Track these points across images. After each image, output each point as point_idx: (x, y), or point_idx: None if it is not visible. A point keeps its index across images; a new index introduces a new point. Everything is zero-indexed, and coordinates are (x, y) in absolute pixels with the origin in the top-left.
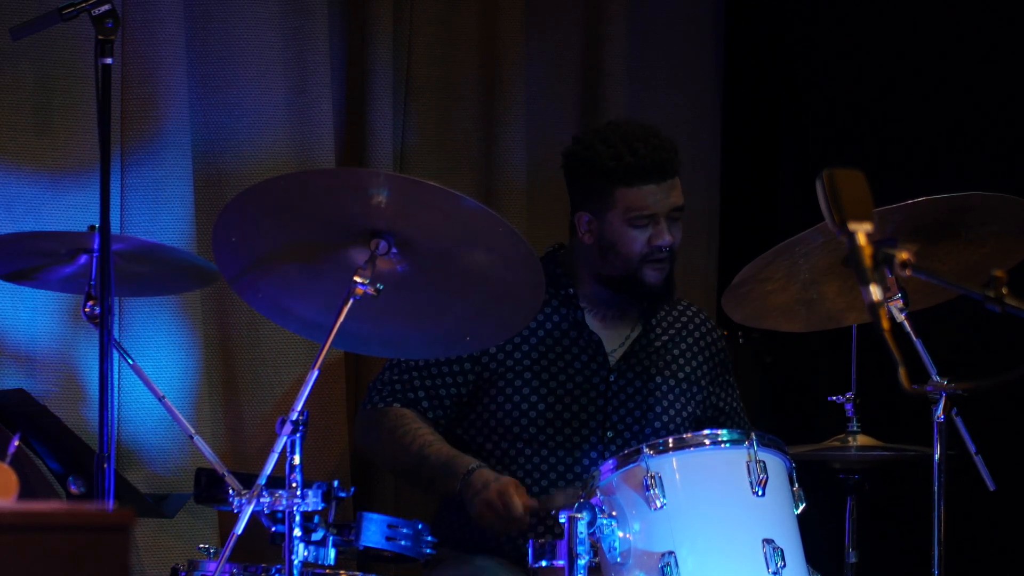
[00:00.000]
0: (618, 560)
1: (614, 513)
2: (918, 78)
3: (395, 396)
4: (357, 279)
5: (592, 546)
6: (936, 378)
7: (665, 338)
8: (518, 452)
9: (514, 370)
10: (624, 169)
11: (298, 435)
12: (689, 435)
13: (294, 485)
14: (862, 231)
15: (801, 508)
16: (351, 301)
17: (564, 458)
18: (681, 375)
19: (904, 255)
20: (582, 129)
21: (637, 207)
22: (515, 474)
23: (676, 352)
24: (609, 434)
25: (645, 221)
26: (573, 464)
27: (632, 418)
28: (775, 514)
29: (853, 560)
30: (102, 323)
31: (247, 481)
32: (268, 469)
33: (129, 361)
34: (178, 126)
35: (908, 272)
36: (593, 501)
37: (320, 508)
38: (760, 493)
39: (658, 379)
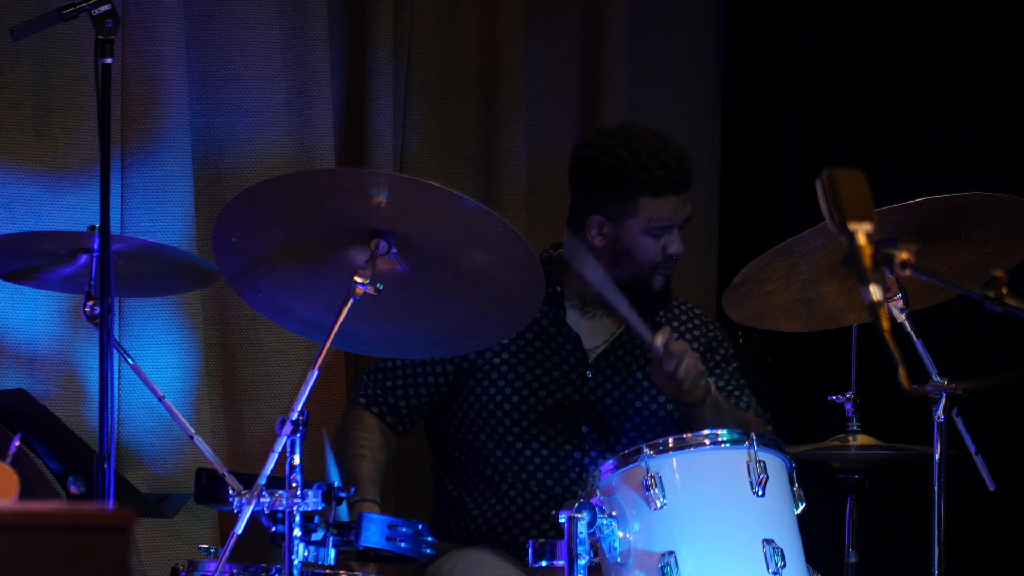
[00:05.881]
0: (618, 560)
1: (614, 513)
2: (918, 78)
3: (372, 387)
4: (357, 279)
5: (592, 546)
6: (936, 378)
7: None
8: (495, 445)
9: (492, 363)
10: (653, 181)
11: (298, 435)
12: (689, 435)
13: (294, 485)
14: (862, 231)
15: (801, 508)
16: (351, 301)
17: (539, 451)
18: None
19: (904, 255)
20: (586, 130)
21: (660, 217)
22: (492, 466)
23: None
24: (585, 428)
25: (663, 231)
26: (549, 456)
27: (610, 414)
28: (775, 514)
29: (853, 560)
30: (102, 323)
31: (247, 481)
32: (268, 469)
33: (129, 361)
34: (178, 126)
35: (908, 272)
36: (593, 501)
37: (320, 508)
38: (760, 493)
39: (639, 375)
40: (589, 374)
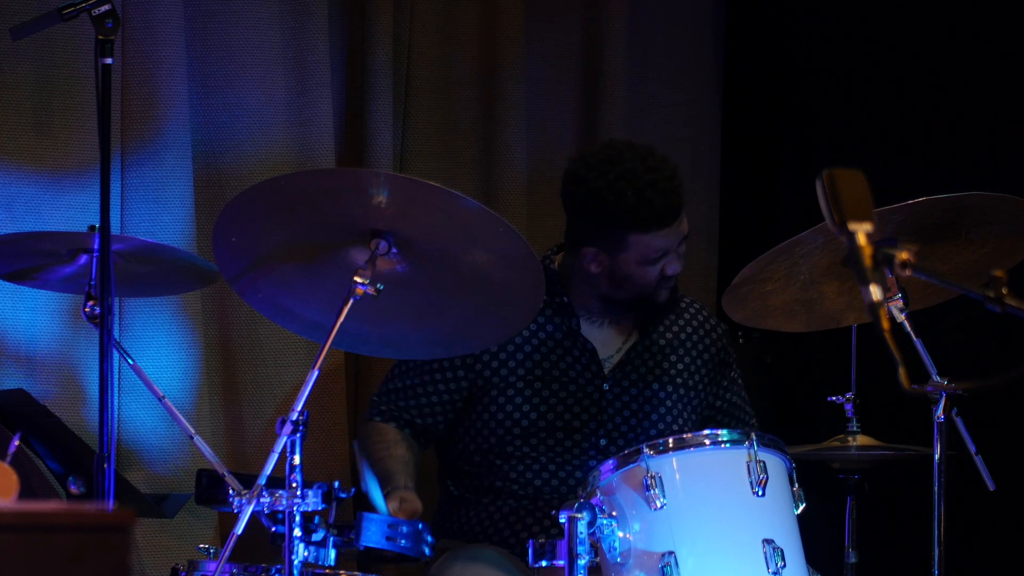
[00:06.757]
0: (618, 560)
1: (614, 513)
2: (918, 78)
3: (386, 406)
4: (357, 279)
5: (592, 546)
6: (936, 378)
7: (663, 342)
8: (508, 460)
9: (507, 380)
10: (639, 221)
11: (298, 435)
12: (689, 435)
13: (294, 485)
14: (862, 231)
15: (801, 508)
16: (351, 301)
17: (555, 461)
18: (680, 380)
19: (904, 255)
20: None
21: (652, 250)
22: (504, 475)
23: (674, 357)
24: (603, 442)
25: (659, 259)
26: (564, 468)
27: (628, 426)
28: (775, 514)
29: (853, 560)
30: (102, 323)
31: (247, 481)
32: (268, 469)
33: (129, 361)
34: (178, 126)
35: (908, 272)
36: (593, 501)
37: (320, 508)
38: (760, 493)
39: (655, 386)
40: (606, 387)
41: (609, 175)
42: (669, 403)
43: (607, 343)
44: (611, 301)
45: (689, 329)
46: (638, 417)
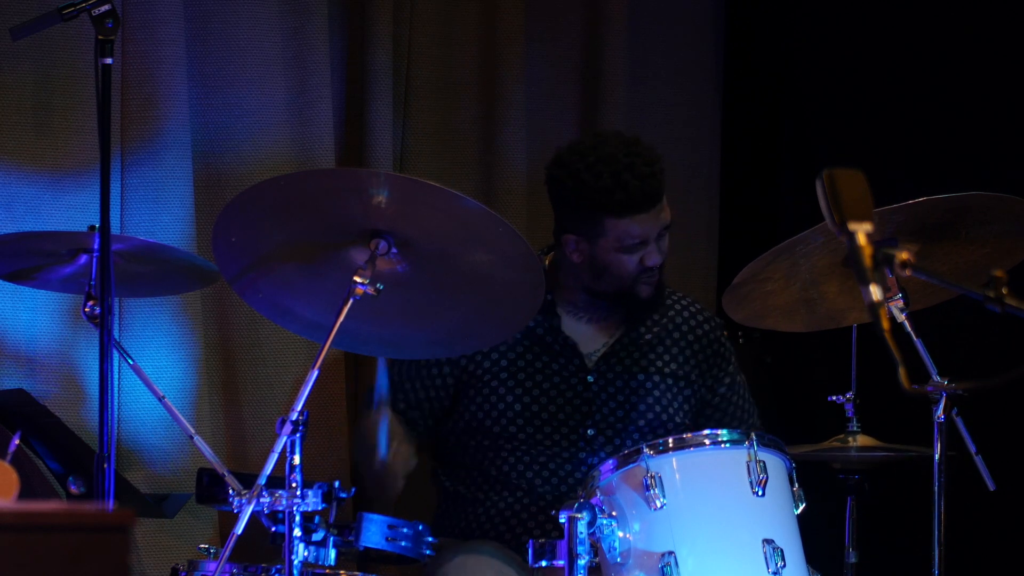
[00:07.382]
0: (618, 560)
1: (614, 513)
2: (919, 78)
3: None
4: (357, 279)
5: (592, 546)
6: (936, 378)
7: (649, 337)
8: (499, 452)
9: (491, 371)
10: (615, 203)
11: (298, 435)
12: (689, 435)
13: (294, 485)
14: (862, 231)
15: (801, 508)
16: (351, 301)
17: (545, 453)
18: (667, 371)
19: (904, 255)
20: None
21: (629, 236)
22: (497, 467)
23: (661, 349)
24: (590, 432)
25: (637, 247)
26: (555, 459)
27: (615, 417)
28: (775, 514)
29: (853, 560)
30: (102, 323)
31: (247, 481)
32: (268, 469)
33: (129, 361)
34: (178, 126)
35: (908, 272)
36: (593, 501)
37: (320, 508)
38: (760, 493)
39: (641, 376)
40: (590, 379)
41: (589, 158)
42: (657, 393)
43: (591, 339)
44: (594, 294)
45: (678, 320)
46: (625, 408)
